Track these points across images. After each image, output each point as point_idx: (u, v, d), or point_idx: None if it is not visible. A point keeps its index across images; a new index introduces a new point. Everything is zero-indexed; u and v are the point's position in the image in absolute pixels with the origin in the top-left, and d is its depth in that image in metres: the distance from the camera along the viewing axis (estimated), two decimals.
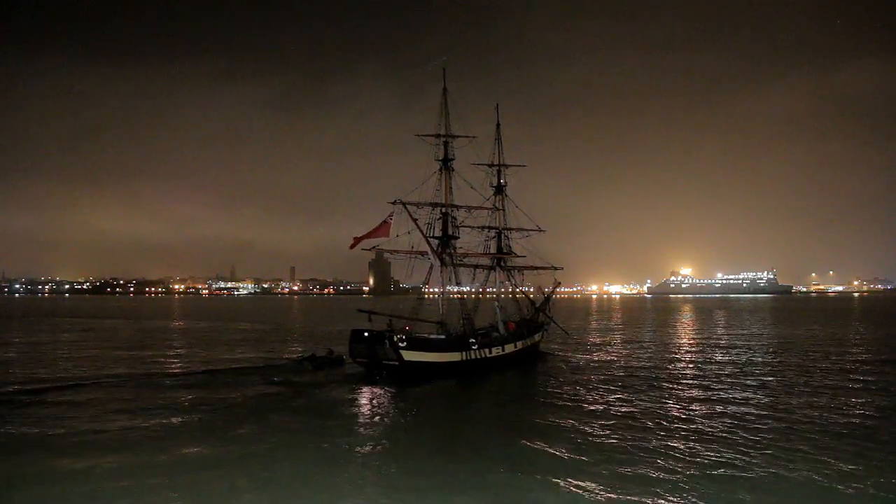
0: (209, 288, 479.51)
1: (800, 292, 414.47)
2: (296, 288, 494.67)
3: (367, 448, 20.58)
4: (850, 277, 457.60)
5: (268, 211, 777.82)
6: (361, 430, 23.40)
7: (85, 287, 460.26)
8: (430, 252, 39.49)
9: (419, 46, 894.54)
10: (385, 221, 37.81)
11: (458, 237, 41.56)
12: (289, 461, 18.90)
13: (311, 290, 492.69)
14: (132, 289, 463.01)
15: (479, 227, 44.35)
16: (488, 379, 36.00)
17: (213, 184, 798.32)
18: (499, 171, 45.90)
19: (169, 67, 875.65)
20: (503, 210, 45.89)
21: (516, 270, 47.74)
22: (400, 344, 33.83)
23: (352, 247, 38.49)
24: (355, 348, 35.51)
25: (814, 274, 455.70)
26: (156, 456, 19.26)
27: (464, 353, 36.92)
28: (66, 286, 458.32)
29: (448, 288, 40.93)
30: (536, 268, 47.76)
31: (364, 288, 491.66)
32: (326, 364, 38.91)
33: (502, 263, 46.61)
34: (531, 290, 50.28)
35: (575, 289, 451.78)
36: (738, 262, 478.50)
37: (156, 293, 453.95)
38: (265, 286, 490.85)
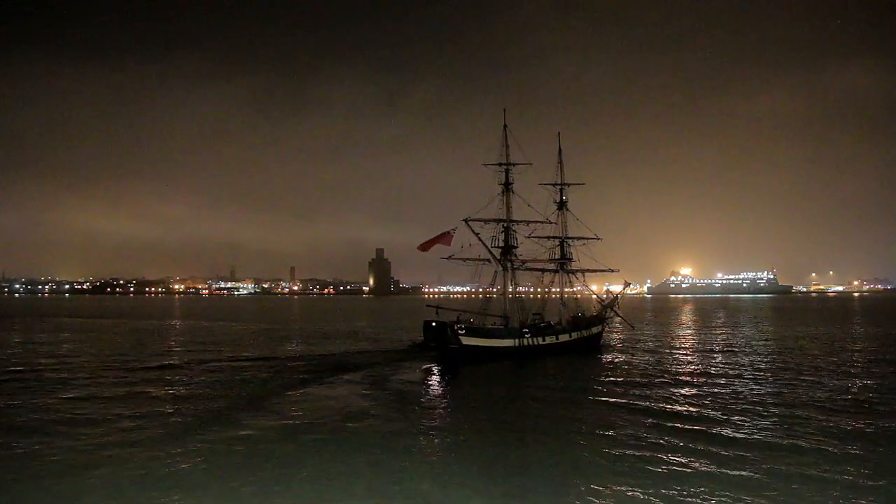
0: (209, 288, 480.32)
1: (800, 292, 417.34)
2: (295, 288, 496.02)
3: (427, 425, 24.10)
4: (850, 277, 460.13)
5: (266, 211, 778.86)
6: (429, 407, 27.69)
7: (85, 287, 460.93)
8: (492, 259, 46.66)
9: (403, 47, 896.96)
10: (448, 233, 45.01)
11: (517, 247, 48.41)
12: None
13: (311, 290, 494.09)
14: (132, 289, 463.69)
15: (544, 237, 51.35)
16: (540, 361, 42.45)
17: (209, 184, 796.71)
18: (561, 190, 53.14)
19: (156, 67, 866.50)
20: (564, 222, 52.44)
21: (579, 273, 54.05)
22: (459, 332, 41.74)
23: (422, 249, 45.48)
24: (427, 335, 43.06)
25: (814, 274, 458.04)
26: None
27: (516, 340, 44.18)
28: (66, 286, 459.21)
29: (512, 288, 48.24)
30: (594, 270, 54.00)
31: (364, 288, 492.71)
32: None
33: (565, 267, 53.06)
34: (603, 289, 58.14)
35: (577, 289, 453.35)
36: (738, 262, 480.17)
37: (156, 293, 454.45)
38: (265, 286, 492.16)
